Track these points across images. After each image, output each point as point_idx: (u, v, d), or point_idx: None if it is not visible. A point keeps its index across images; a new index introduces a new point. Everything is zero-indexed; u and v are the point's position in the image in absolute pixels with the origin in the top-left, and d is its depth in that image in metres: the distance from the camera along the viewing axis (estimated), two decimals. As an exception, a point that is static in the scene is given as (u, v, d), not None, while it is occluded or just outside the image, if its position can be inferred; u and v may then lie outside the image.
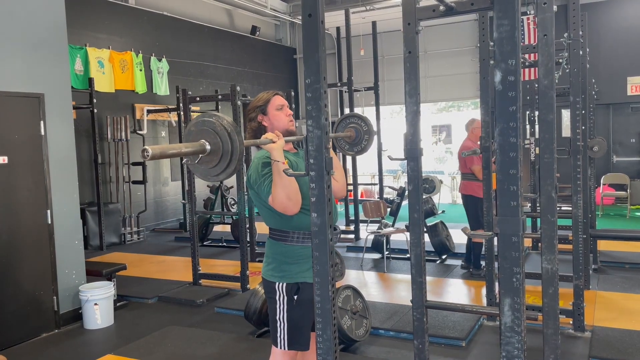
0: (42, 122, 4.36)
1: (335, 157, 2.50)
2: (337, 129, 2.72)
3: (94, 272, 4.83)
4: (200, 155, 1.70)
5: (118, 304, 4.89)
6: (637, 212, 9.70)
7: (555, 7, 2.41)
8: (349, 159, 8.03)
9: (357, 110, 8.33)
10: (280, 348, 2.36)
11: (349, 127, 2.67)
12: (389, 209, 6.87)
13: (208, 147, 1.69)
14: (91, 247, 7.57)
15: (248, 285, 5.26)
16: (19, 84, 4.23)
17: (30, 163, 4.30)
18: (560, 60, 4.13)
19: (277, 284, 2.34)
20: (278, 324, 2.35)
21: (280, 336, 2.35)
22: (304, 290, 2.30)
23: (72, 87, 4.93)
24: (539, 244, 4.80)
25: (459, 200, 5.96)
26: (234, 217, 7.40)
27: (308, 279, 2.29)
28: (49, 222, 4.40)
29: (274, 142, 2.13)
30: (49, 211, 4.40)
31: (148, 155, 1.48)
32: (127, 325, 4.57)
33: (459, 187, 5.73)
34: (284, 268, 2.33)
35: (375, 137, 8.03)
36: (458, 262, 6.15)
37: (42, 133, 4.37)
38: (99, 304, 4.42)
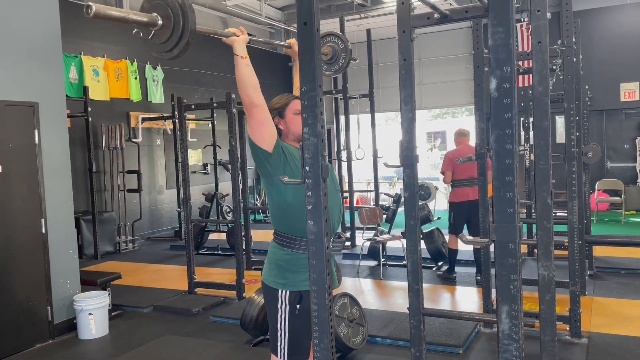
0: (36, 131, 4.34)
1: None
2: None
3: (89, 282, 4.80)
4: (152, 31, 1.64)
5: (113, 314, 4.85)
6: (631, 217, 9.74)
7: (548, 15, 2.43)
8: (344, 166, 8.02)
9: (353, 117, 8.34)
10: (280, 357, 2.32)
11: (326, 45, 2.67)
12: (384, 216, 6.86)
13: (160, 21, 1.63)
14: (86, 256, 7.53)
15: (244, 294, 5.23)
16: (13, 93, 4.21)
17: (25, 172, 4.28)
18: (554, 67, 4.16)
19: (280, 291, 2.29)
20: (279, 333, 2.31)
21: (280, 345, 2.31)
22: (306, 299, 2.25)
23: (66, 95, 4.90)
24: (535, 250, 4.80)
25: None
26: (229, 225, 7.38)
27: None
28: (43, 231, 4.37)
29: (236, 36, 2.09)
30: (43, 220, 4.37)
31: (91, 11, 1.43)
32: (122, 335, 4.53)
33: (476, 193, 5.70)
34: (286, 275, 2.29)
35: (371, 144, 8.07)
36: (455, 269, 6.13)
37: (37, 142, 4.35)
38: (93, 314, 4.39)
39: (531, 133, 5.85)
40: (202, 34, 1.87)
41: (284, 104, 2.37)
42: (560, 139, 9.51)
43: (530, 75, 3.82)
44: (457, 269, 6.09)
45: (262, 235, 8.13)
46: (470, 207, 5.59)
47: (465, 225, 5.69)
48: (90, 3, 1.40)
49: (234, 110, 5.43)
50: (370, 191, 11.00)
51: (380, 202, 8.35)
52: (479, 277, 5.62)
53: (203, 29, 1.85)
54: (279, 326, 2.30)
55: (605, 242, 6.13)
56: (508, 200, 1.48)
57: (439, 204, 11.75)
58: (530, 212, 6.25)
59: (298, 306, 2.27)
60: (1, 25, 4.15)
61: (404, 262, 6.05)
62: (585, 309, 4.28)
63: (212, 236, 8.36)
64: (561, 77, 3.92)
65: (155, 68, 9.49)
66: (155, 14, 1.64)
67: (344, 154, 7.97)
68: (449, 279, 5.75)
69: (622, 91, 10.48)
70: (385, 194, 9.51)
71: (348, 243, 7.61)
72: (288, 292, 2.28)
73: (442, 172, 5.70)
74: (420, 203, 5.84)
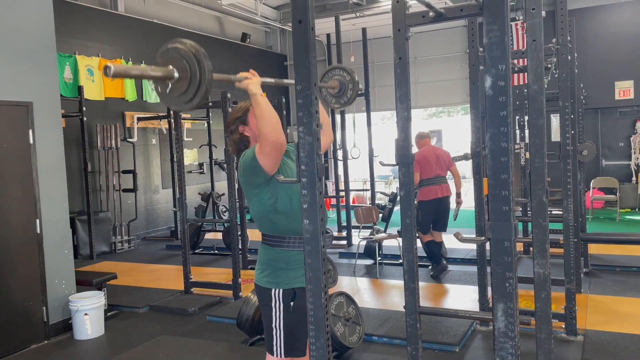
0: (30, 131, 4.32)
1: (322, 109, 2.50)
2: (321, 81, 2.71)
3: (84, 282, 4.78)
4: (169, 84, 1.64)
5: (109, 314, 4.84)
6: (626, 215, 9.78)
7: (543, 13, 2.44)
8: (340, 165, 8.03)
9: (348, 116, 8.35)
10: (277, 356, 2.33)
11: (333, 79, 2.67)
12: (381, 215, 6.87)
13: (176, 74, 1.63)
14: (81, 257, 7.50)
15: (240, 293, 5.23)
16: (7, 93, 4.19)
17: (19, 172, 4.26)
18: (549, 66, 4.16)
19: (273, 290, 2.31)
20: (274, 332, 2.32)
21: (276, 344, 2.32)
22: (300, 296, 2.28)
23: (61, 95, 4.89)
24: (531, 248, 4.81)
25: (451, 205, 6.02)
26: (225, 224, 7.37)
27: (304, 284, 2.27)
28: (38, 232, 4.36)
29: (249, 79, 2.11)
30: (38, 220, 4.35)
31: (110, 72, 1.43)
32: (118, 336, 4.52)
33: (444, 190, 5.84)
34: (279, 274, 2.31)
35: (367, 143, 8.07)
36: (450, 268, 6.14)
37: (31, 142, 4.33)
38: (89, 314, 4.38)
39: (526, 131, 5.86)
40: (218, 80, 1.89)
41: (245, 110, 2.40)
42: (556, 137, 9.55)
43: (525, 73, 3.82)
44: (453, 267, 6.12)
45: (258, 235, 7.99)
46: (438, 205, 5.80)
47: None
48: (109, 64, 1.41)
49: (229, 109, 5.42)
50: (366, 190, 11.01)
51: (377, 201, 8.36)
52: (432, 273, 5.88)
53: (218, 76, 1.87)
54: (274, 325, 2.32)
55: (600, 240, 6.16)
56: (503, 198, 1.48)
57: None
58: (525, 210, 6.26)
59: (292, 303, 2.29)
60: (-5, 24, 4.13)
61: (400, 261, 6.05)
62: (581, 307, 4.29)
63: (208, 236, 8.35)
64: (556, 76, 3.93)
65: (150, 67, 9.45)
66: (171, 66, 1.64)
67: (339, 153, 7.97)
68: (442, 270, 5.83)
69: (616, 89, 10.52)
70: (382, 192, 9.52)
71: (345, 242, 7.62)
72: (281, 291, 2.30)
73: None
74: (416, 202, 5.87)
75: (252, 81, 2.11)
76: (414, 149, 6.12)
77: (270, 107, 2.13)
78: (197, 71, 1.63)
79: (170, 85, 1.64)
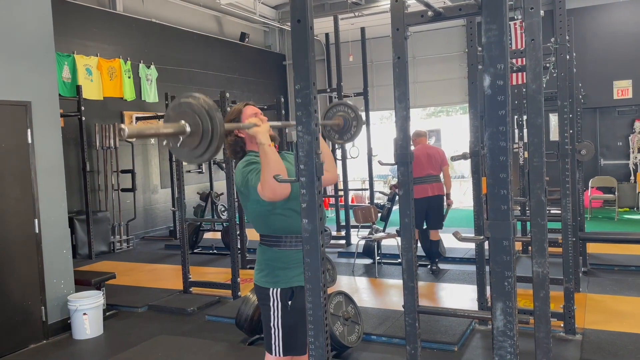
0: (29, 131, 4.32)
1: (325, 145, 2.52)
2: (324, 118, 2.71)
3: (83, 282, 4.78)
4: (181, 138, 1.65)
5: (107, 314, 4.84)
6: (625, 214, 9.79)
7: (542, 12, 2.44)
8: (339, 164, 8.03)
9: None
10: (275, 355, 2.34)
11: (337, 115, 2.67)
12: (379, 214, 6.87)
13: (188, 128, 1.63)
14: (80, 256, 7.50)
15: (239, 293, 5.23)
16: (5, 92, 4.18)
17: (18, 172, 4.26)
18: (548, 65, 4.17)
19: (271, 290, 2.32)
20: (272, 331, 2.33)
21: (274, 343, 2.33)
22: (298, 294, 2.29)
23: (59, 94, 4.88)
24: (529, 247, 4.82)
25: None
26: (224, 224, 7.37)
27: (302, 282, 2.27)
28: (37, 231, 4.35)
29: (257, 126, 2.11)
30: (36, 220, 4.35)
31: (124, 134, 1.44)
32: (116, 335, 4.52)
33: (435, 189, 5.87)
34: (277, 273, 2.32)
35: (366, 142, 8.07)
36: (449, 267, 6.16)
37: (30, 141, 4.32)
38: (88, 314, 4.37)
39: (525, 130, 5.87)
40: (229, 130, 1.88)
41: (238, 112, 2.41)
42: (554, 137, 9.55)
43: (524, 73, 3.83)
44: (452, 266, 6.12)
45: (257, 234, 8.10)
46: (428, 203, 5.85)
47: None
48: (122, 126, 1.41)
49: (228, 109, 5.41)
50: (365, 189, 11.01)
51: (375, 201, 8.36)
52: (434, 268, 5.98)
53: (229, 125, 1.87)
54: (272, 324, 2.33)
55: (599, 239, 6.16)
56: (502, 197, 1.48)
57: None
58: (524, 209, 6.27)
59: (290, 302, 2.30)
60: (-7, 24, 4.12)
61: (399, 260, 6.06)
62: (580, 306, 4.30)
63: (207, 235, 8.35)
64: (554, 75, 3.93)
65: (148, 67, 9.45)
66: (183, 121, 1.64)
67: (338, 153, 7.98)
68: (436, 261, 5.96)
69: (615, 89, 10.53)
70: (380, 192, 9.52)
71: (343, 241, 7.61)
72: (279, 290, 2.31)
73: None
74: (415, 201, 5.82)
75: (261, 129, 2.11)
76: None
77: (277, 156, 2.13)
78: (210, 127, 1.63)
79: (181, 139, 1.65)
